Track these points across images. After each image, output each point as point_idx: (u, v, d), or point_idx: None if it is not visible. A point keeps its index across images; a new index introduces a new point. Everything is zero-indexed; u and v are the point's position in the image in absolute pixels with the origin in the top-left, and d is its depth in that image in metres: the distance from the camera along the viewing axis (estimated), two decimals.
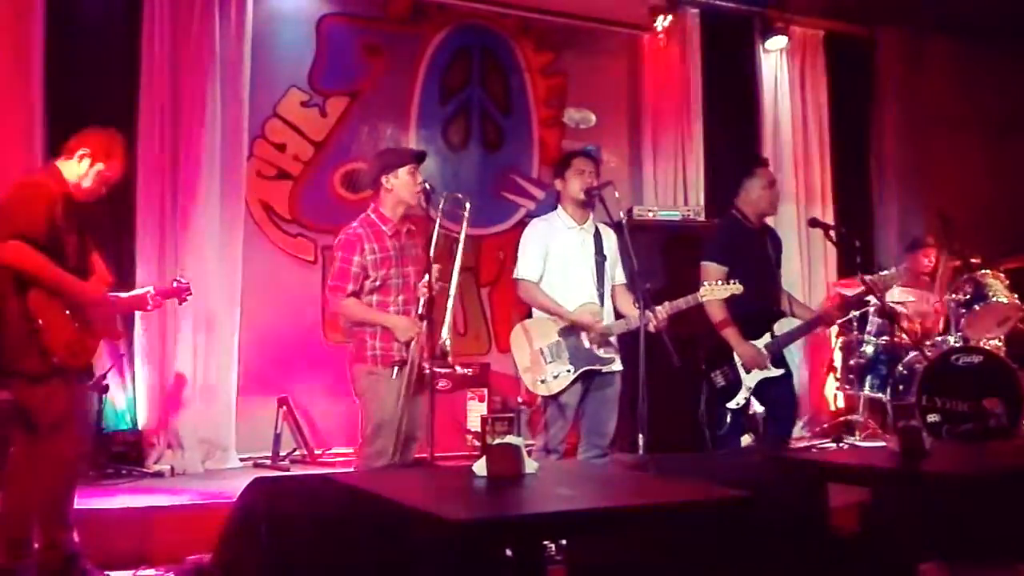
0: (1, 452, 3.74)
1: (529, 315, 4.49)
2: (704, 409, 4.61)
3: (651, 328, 4.10)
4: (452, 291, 4.07)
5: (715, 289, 4.36)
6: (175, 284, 4.27)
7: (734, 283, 4.38)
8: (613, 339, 4.37)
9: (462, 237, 4.18)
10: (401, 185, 4.09)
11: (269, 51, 6.05)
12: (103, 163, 3.73)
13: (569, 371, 4.25)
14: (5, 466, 3.65)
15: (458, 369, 5.54)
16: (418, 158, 4.26)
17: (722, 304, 4.48)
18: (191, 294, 4.35)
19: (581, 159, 4.48)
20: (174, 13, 5.58)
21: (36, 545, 3.61)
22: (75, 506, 3.76)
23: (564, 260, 4.38)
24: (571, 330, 4.32)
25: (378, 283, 4.04)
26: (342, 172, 6.24)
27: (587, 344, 4.31)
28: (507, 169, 6.84)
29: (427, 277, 3.95)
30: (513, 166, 6.86)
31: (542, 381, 4.26)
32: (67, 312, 3.57)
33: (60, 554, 3.61)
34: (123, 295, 4.00)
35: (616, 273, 4.52)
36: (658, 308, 4.18)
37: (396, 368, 3.98)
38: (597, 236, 4.46)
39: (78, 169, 3.69)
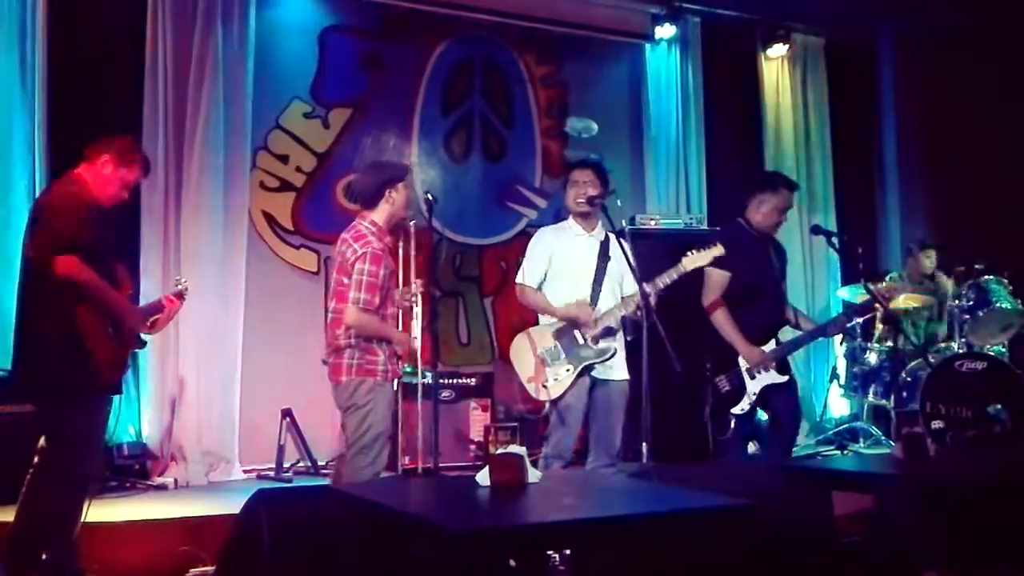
0: (20, 465, 3.70)
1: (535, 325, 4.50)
2: (708, 415, 4.59)
3: (652, 299, 4.09)
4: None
5: (697, 256, 4.32)
6: (176, 286, 4.30)
7: (715, 246, 4.31)
8: (615, 324, 4.30)
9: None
10: (402, 199, 4.15)
11: (271, 63, 6.09)
12: (125, 167, 3.76)
13: (568, 370, 4.25)
14: (26, 479, 3.62)
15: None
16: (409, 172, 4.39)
17: (717, 283, 4.49)
18: (187, 291, 4.37)
19: (577, 170, 4.48)
20: (177, 26, 5.61)
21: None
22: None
23: (568, 266, 4.38)
24: (565, 331, 4.32)
25: (382, 297, 4.06)
26: (345, 183, 6.25)
27: (581, 340, 4.31)
28: (509, 180, 6.85)
29: (413, 285, 4.18)
30: (515, 177, 6.87)
31: (544, 385, 4.26)
32: (110, 328, 3.57)
33: (64, 571, 3.59)
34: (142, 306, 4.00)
35: (626, 284, 4.45)
36: (656, 279, 4.21)
37: (396, 381, 4.05)
38: (605, 243, 4.46)
39: (102, 175, 3.71)
